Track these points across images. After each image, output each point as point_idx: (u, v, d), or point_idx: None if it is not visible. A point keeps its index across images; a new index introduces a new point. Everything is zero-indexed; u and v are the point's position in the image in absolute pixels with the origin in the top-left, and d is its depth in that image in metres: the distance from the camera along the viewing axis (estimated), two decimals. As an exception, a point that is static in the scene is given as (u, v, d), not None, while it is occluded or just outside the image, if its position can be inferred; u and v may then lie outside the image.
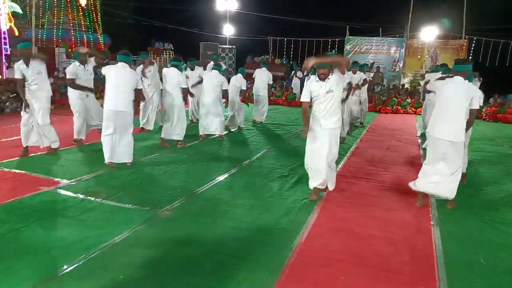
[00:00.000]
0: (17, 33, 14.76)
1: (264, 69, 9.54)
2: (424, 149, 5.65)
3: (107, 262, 2.72)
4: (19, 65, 5.23)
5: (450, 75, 4.31)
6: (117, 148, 5.10)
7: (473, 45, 17.52)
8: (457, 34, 17.46)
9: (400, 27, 18.49)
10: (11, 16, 14.18)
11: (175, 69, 6.30)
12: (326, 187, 4.23)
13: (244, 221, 3.51)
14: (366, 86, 8.64)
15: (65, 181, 4.46)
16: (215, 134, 7.32)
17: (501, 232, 3.49)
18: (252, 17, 22.49)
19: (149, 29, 24.44)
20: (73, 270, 2.60)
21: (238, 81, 8.16)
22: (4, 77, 13.05)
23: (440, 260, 2.92)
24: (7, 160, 5.25)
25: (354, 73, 7.65)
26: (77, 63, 6.10)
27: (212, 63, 8.36)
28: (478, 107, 3.77)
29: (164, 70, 6.48)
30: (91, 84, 6.21)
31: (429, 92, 6.26)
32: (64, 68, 13.24)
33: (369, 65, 14.93)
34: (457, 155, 3.79)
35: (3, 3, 13.72)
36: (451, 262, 2.89)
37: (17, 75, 5.27)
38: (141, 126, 7.77)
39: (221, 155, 6.19)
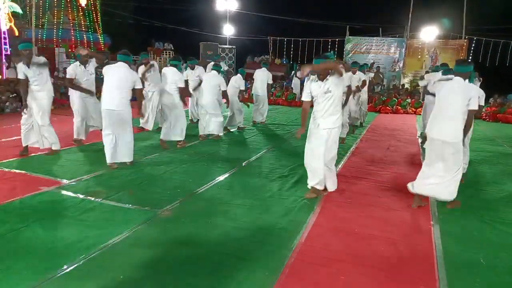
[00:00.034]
0: (17, 33, 14.76)
1: (264, 69, 9.55)
2: (424, 149, 5.66)
3: (107, 262, 2.72)
4: (21, 66, 5.26)
5: (450, 76, 4.30)
6: (118, 148, 5.10)
7: (473, 45, 17.54)
8: (457, 34, 17.47)
9: (400, 27, 18.52)
10: (11, 16, 14.17)
11: (174, 68, 6.29)
12: (325, 188, 4.23)
13: (244, 221, 3.51)
14: (366, 86, 8.64)
15: (65, 181, 4.46)
16: (214, 134, 7.32)
17: (501, 232, 3.49)
18: (252, 17, 22.53)
19: (149, 29, 24.49)
20: (73, 270, 2.60)
21: (237, 81, 8.17)
22: (4, 77, 13.05)
23: (440, 260, 2.91)
24: (7, 160, 5.26)
25: (354, 73, 7.65)
26: (77, 63, 6.12)
27: (212, 63, 8.36)
28: (476, 108, 3.73)
29: (163, 70, 6.49)
30: (91, 84, 6.21)
31: (429, 93, 6.28)
32: (64, 68, 13.28)
33: (369, 65, 14.93)
34: (456, 156, 3.76)
35: (3, 3, 13.71)
36: (451, 262, 2.89)
37: (20, 76, 5.33)
38: (140, 125, 7.77)
39: (221, 155, 6.19)
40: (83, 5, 18.31)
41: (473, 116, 3.82)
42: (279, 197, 4.20)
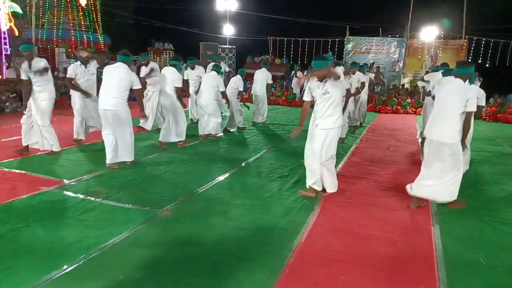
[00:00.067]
0: (17, 33, 14.77)
1: (264, 69, 9.55)
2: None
3: (107, 262, 2.72)
4: (24, 67, 5.31)
5: (450, 77, 4.29)
6: (118, 148, 5.10)
7: (473, 45, 17.53)
8: (457, 34, 17.48)
9: (400, 27, 18.52)
10: (11, 16, 14.18)
11: (173, 68, 6.27)
12: (324, 189, 4.22)
13: (244, 221, 3.51)
14: (365, 87, 8.64)
15: (65, 181, 4.46)
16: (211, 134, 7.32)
17: (501, 232, 3.49)
18: (252, 17, 22.52)
19: (149, 29, 24.49)
20: (73, 270, 2.60)
21: (236, 82, 8.17)
22: (4, 77, 13.05)
23: (440, 260, 2.91)
24: (7, 160, 5.26)
25: (354, 73, 7.65)
26: (78, 63, 6.13)
27: (212, 63, 8.36)
28: (473, 109, 3.71)
29: (163, 70, 6.48)
30: (93, 84, 6.20)
31: (429, 95, 6.28)
32: (64, 68, 13.29)
33: (369, 65, 14.94)
34: (454, 157, 3.75)
35: (3, 3, 13.72)
36: (451, 262, 2.89)
37: (23, 77, 5.39)
38: (139, 124, 7.76)
39: (221, 155, 6.19)
40: (83, 5, 18.31)
41: (471, 117, 3.79)
42: (279, 197, 4.20)
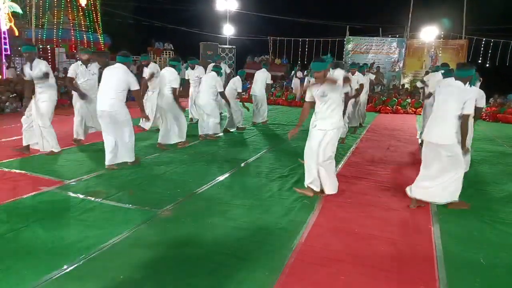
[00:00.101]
0: (17, 33, 14.77)
1: (264, 70, 9.53)
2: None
3: (107, 262, 2.72)
4: (26, 67, 5.34)
5: (450, 79, 4.28)
6: (118, 149, 5.09)
7: (473, 45, 17.53)
8: (457, 34, 17.49)
9: (400, 27, 18.53)
10: (11, 16, 14.18)
11: (172, 69, 6.26)
12: (322, 190, 4.21)
13: (244, 221, 3.51)
14: (365, 88, 8.64)
15: (65, 181, 4.46)
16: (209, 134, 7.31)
17: (501, 232, 3.49)
18: (252, 17, 22.53)
19: (149, 29, 24.50)
20: (73, 270, 2.60)
21: (235, 83, 8.17)
22: (4, 77, 13.05)
23: (440, 260, 2.91)
24: (7, 160, 5.25)
25: (353, 74, 7.64)
26: (79, 63, 6.15)
27: (212, 64, 8.36)
28: (470, 112, 3.69)
29: (162, 70, 6.47)
30: (94, 85, 6.20)
31: (428, 97, 6.28)
32: (64, 68, 13.30)
33: (369, 65, 14.94)
34: (452, 158, 3.75)
35: (3, 3, 13.72)
36: (451, 262, 2.89)
37: (27, 77, 5.40)
38: (139, 124, 7.75)
39: (221, 155, 6.18)
40: (83, 5, 18.32)
41: (468, 120, 3.78)
42: (279, 197, 4.20)
